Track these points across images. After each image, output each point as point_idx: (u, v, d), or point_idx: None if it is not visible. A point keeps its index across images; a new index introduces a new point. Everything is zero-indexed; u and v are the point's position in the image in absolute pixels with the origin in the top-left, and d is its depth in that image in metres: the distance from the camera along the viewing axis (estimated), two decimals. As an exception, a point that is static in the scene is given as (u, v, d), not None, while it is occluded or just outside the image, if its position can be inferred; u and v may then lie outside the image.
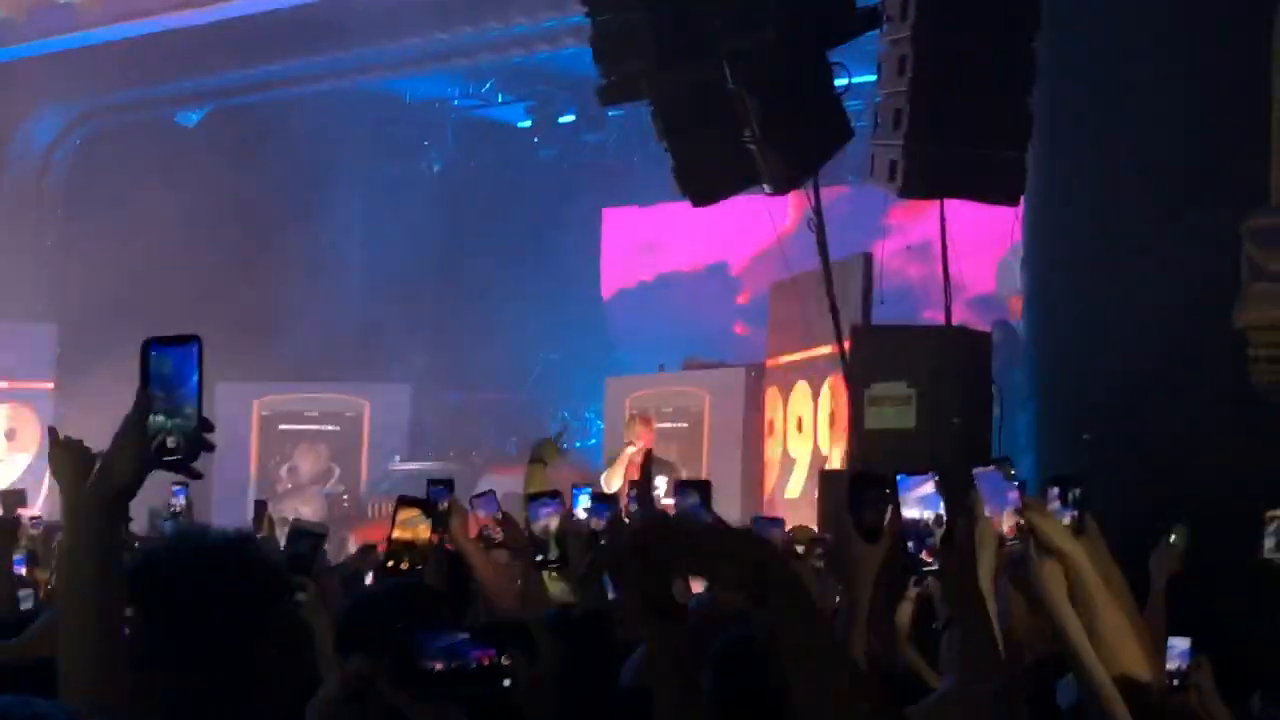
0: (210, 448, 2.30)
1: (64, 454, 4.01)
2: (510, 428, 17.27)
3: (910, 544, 3.12)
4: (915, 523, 3.11)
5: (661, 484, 11.76)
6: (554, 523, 4.74)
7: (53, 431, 4.16)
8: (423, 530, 4.55)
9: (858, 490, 3.28)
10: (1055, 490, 3.71)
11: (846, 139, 8.73)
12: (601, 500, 5.39)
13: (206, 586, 2.47)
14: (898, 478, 3.12)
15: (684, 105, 8.69)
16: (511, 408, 17.43)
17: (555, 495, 4.83)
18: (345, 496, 15.51)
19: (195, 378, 2.29)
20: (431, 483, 5.12)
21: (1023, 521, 3.31)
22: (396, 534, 4.57)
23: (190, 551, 2.54)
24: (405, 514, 4.56)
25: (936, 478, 3.09)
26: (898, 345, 9.30)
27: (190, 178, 15.61)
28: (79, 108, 16.96)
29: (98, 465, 2.36)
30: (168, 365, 2.29)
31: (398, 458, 16.02)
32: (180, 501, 7.25)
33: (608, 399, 15.17)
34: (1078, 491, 3.76)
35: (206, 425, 2.31)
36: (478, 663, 2.59)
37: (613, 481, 11.99)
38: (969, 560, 3.15)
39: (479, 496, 5.26)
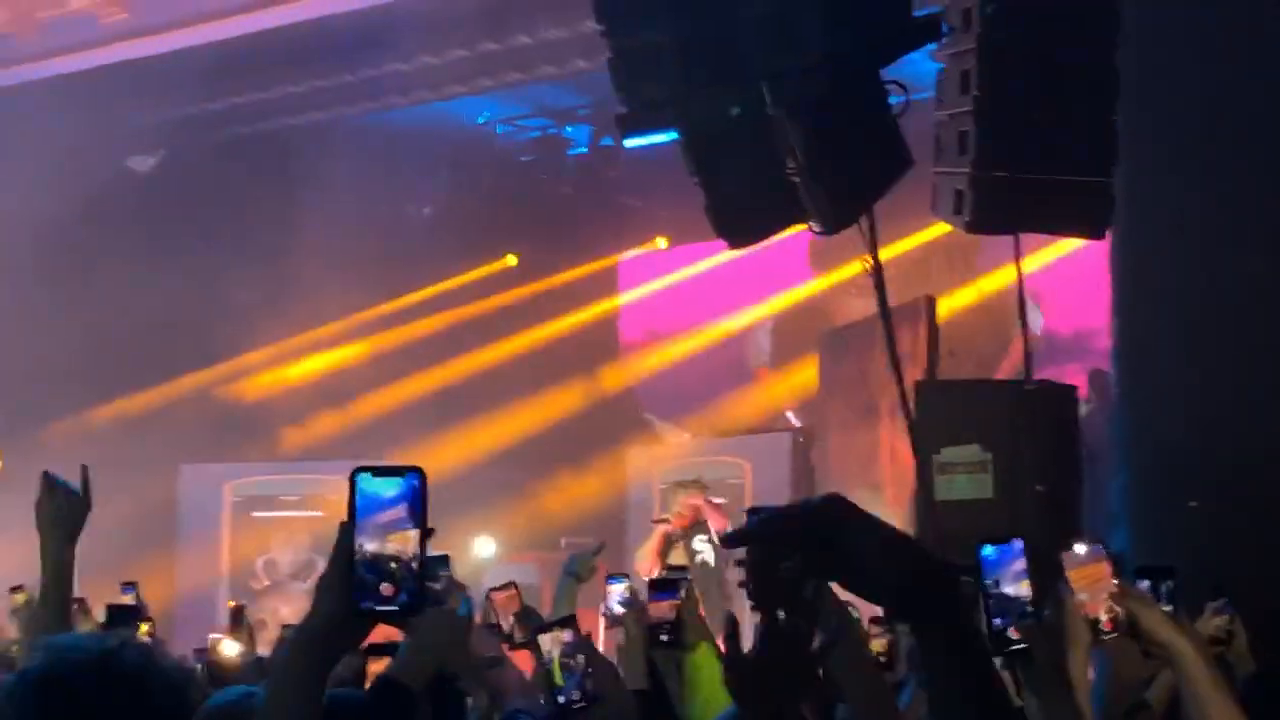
0: (435, 600, 2.29)
1: (57, 503, 4.10)
2: (521, 508, 17.29)
3: (997, 619, 3.16)
4: (1004, 596, 3.15)
5: (706, 550, 11.89)
6: (557, 649, 4.75)
7: (46, 477, 4.26)
8: None
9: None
10: (1145, 582, 3.75)
11: (905, 168, 8.77)
12: (662, 586, 5.41)
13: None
14: (980, 549, 3.18)
15: (718, 134, 8.74)
16: (521, 485, 17.44)
17: (569, 619, 4.86)
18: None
19: (418, 514, 2.26)
20: (428, 559, 5.13)
21: (1121, 612, 3.36)
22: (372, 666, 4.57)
23: (69, 687, 2.60)
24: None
25: (1023, 546, 3.14)
26: (970, 403, 9.31)
27: (143, 230, 15.71)
28: (16, 151, 17.08)
29: (306, 613, 2.34)
30: (382, 497, 2.25)
31: (393, 546, 16.02)
32: (129, 598, 7.29)
33: (631, 471, 15.21)
34: (1170, 584, 3.80)
35: (429, 572, 2.29)
36: None
37: (640, 561, 12.01)
38: (1060, 642, 3.19)
39: (498, 589, 5.32)
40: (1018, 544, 3.18)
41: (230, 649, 7.16)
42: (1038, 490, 8.82)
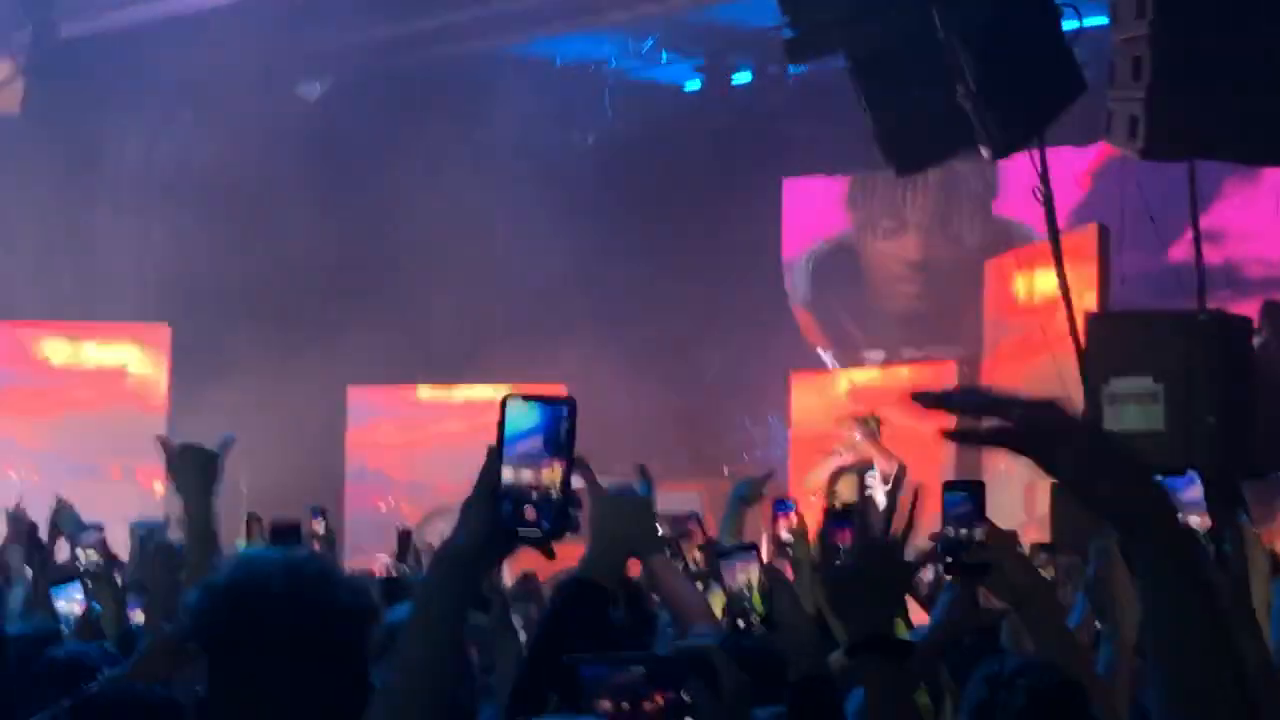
0: (575, 526, 2.34)
1: (185, 462, 4.17)
2: (681, 438, 17.33)
3: None
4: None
5: (873, 482, 11.86)
6: (753, 575, 4.73)
7: (163, 441, 4.33)
8: None
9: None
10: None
11: (1079, 92, 8.63)
12: (838, 517, 5.40)
13: (278, 632, 2.60)
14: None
15: (886, 59, 8.67)
16: (685, 412, 17.48)
17: (750, 546, 4.84)
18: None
19: (564, 443, 2.28)
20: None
21: None
22: None
23: (258, 593, 2.64)
24: None
25: (1200, 478, 3.09)
26: (1141, 334, 9.19)
27: (315, 158, 15.92)
28: (186, 80, 17.36)
29: (445, 538, 2.40)
30: (530, 424, 2.28)
31: (552, 471, 16.14)
32: (319, 525, 7.44)
33: (795, 401, 15.17)
34: None
35: (573, 499, 2.31)
36: (654, 703, 2.58)
37: (812, 491, 12.01)
38: (1243, 576, 3.15)
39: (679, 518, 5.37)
40: (1192, 476, 3.13)
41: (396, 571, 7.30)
42: (1209, 422, 8.69)
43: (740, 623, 4.43)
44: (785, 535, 5.92)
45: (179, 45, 15.89)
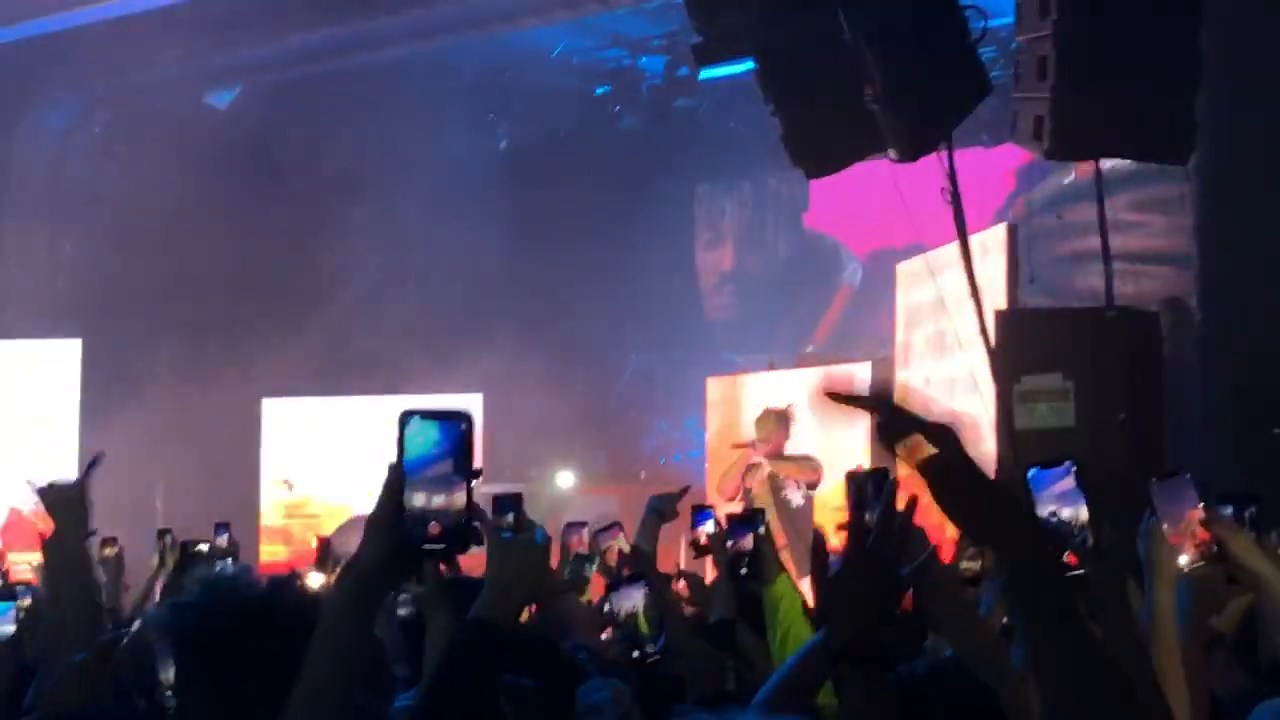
0: (479, 539, 2.35)
1: (59, 499, 4.22)
2: (599, 441, 17.35)
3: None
4: (1053, 522, 3.13)
5: (794, 494, 11.90)
6: (639, 603, 4.78)
7: (34, 486, 4.39)
8: None
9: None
10: (1228, 508, 3.73)
11: (984, 94, 8.70)
12: (741, 522, 5.44)
13: (244, 646, 2.64)
14: (1029, 473, 3.15)
15: (793, 63, 8.70)
16: (599, 418, 17.49)
17: (637, 578, 4.88)
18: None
19: (466, 460, 2.31)
20: (497, 499, 5.20)
21: (1207, 539, 3.35)
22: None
23: (227, 608, 2.69)
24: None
25: (1075, 469, 3.11)
26: (1051, 331, 9.27)
27: (224, 166, 15.82)
28: (93, 92, 17.22)
29: (350, 557, 2.41)
30: (429, 441, 2.30)
31: (472, 478, 16.11)
32: (223, 541, 7.38)
33: (710, 402, 15.22)
34: (1253, 510, 3.78)
35: (476, 512, 2.34)
36: None
37: (725, 487, 12.03)
38: (1117, 566, 3.18)
39: (603, 530, 5.43)
40: (1068, 466, 3.15)
41: (315, 582, 7.24)
42: (1120, 419, 8.78)
43: (635, 652, 4.49)
44: (702, 540, 5.96)
45: (88, 55, 15.75)
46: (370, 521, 2.35)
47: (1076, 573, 3.09)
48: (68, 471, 15.34)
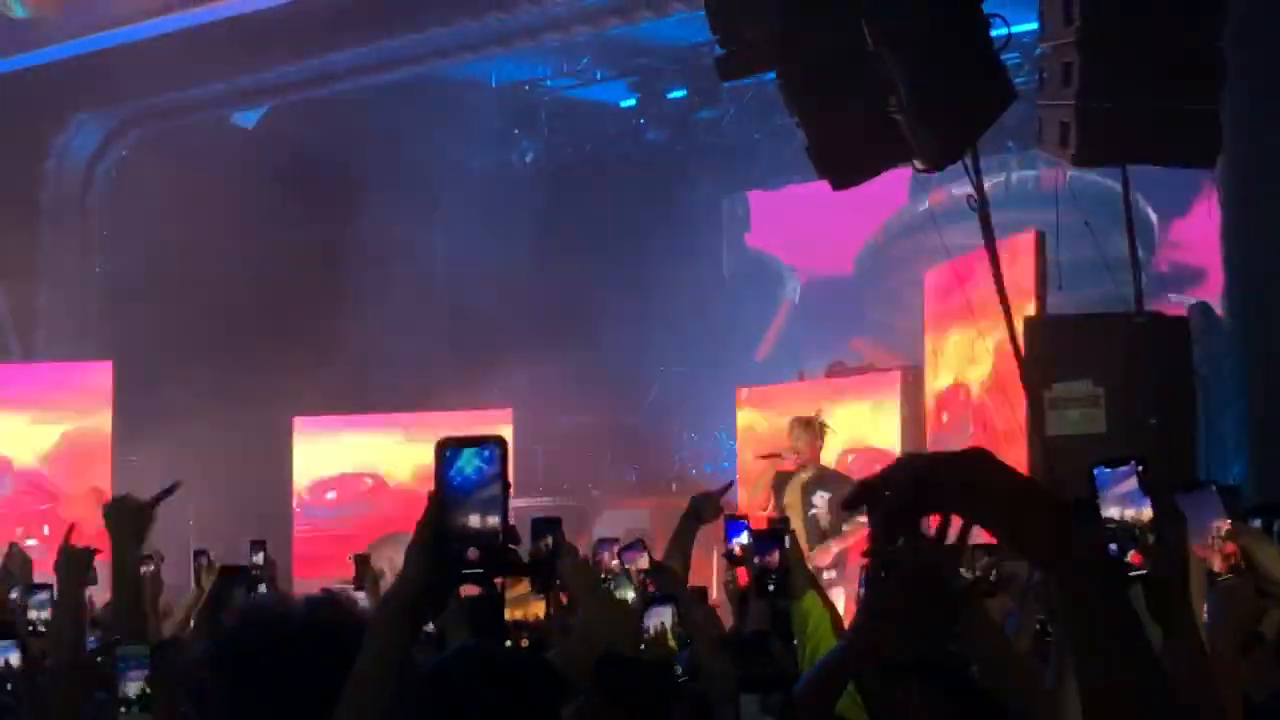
0: (519, 568, 2.38)
1: (120, 512, 4.26)
2: (629, 454, 17.36)
3: (1113, 546, 3.11)
4: (1118, 522, 3.11)
5: (821, 503, 11.81)
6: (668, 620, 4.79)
7: (98, 494, 4.48)
8: (537, 606, 4.60)
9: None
10: (1258, 521, 3.71)
11: (1009, 101, 8.70)
12: (766, 536, 5.44)
13: (287, 673, 2.65)
14: (1094, 470, 3.12)
15: (817, 74, 8.71)
16: (629, 431, 17.51)
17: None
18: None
19: (498, 483, 2.36)
20: (537, 523, 5.22)
21: (1234, 550, 3.33)
22: (508, 614, 4.63)
23: (267, 637, 2.69)
24: (517, 589, 4.60)
25: (1140, 468, 3.08)
26: (1080, 338, 9.27)
27: (251, 185, 15.90)
28: (121, 114, 17.32)
29: (394, 580, 2.44)
30: (465, 468, 2.36)
31: (503, 495, 16.12)
32: (259, 559, 7.36)
33: (742, 415, 15.22)
34: None
35: (513, 536, 2.37)
36: None
37: (755, 500, 11.98)
38: (1182, 565, 3.16)
39: (628, 549, 5.43)
40: (1132, 465, 3.12)
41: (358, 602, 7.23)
42: (1151, 423, 8.77)
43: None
44: (736, 551, 5.95)
45: (115, 77, 15.85)
46: (410, 548, 2.39)
47: (1140, 572, 3.08)
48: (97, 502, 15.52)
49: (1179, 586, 3.08)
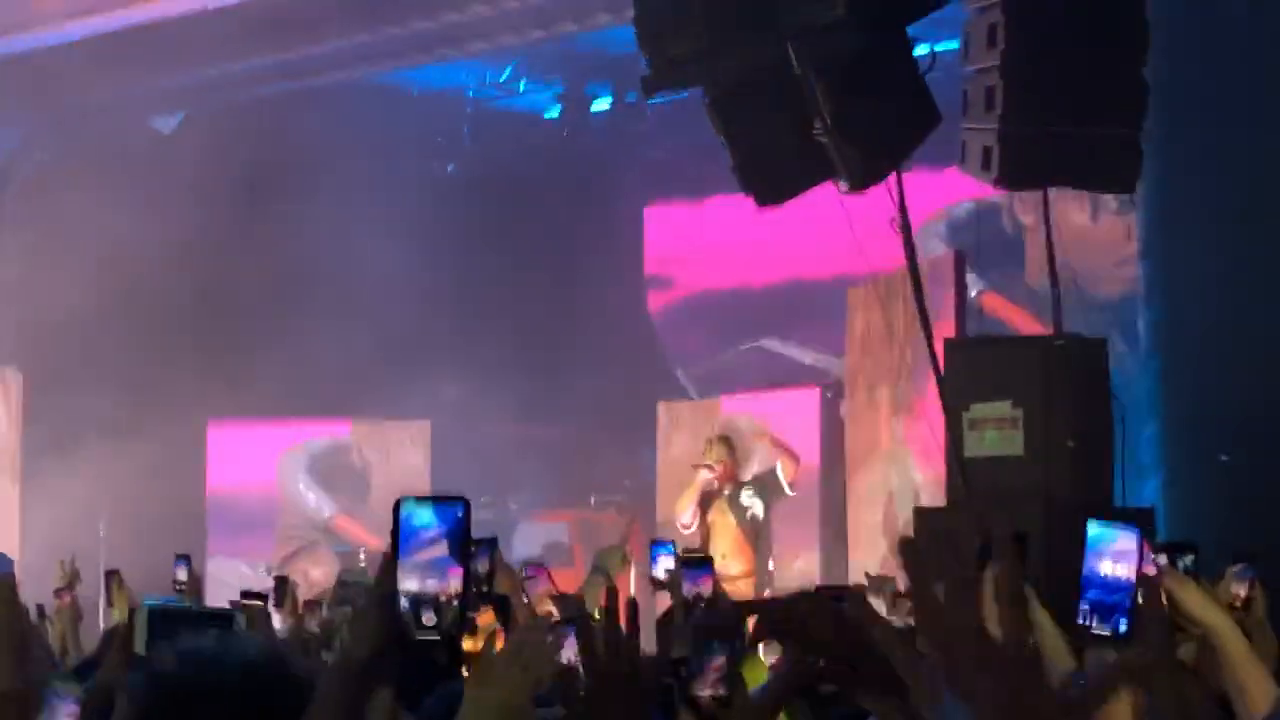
0: (472, 629, 2.30)
1: None
2: (550, 466, 17.34)
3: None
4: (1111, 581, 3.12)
5: (755, 503, 12.06)
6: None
7: None
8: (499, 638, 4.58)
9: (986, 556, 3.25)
10: (1163, 558, 3.74)
11: (934, 124, 8.78)
12: (694, 564, 5.46)
13: None
14: (1088, 522, 3.14)
15: (743, 93, 8.76)
16: (550, 443, 17.49)
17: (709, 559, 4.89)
18: (362, 554, 15.61)
19: (461, 543, 2.28)
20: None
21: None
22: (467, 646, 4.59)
23: (208, 687, 2.58)
24: (483, 619, 4.56)
25: (1139, 534, 3.09)
26: (999, 359, 9.32)
27: (170, 191, 15.78)
28: (39, 117, 17.16)
29: (346, 642, 2.40)
30: (425, 526, 2.28)
31: (417, 505, 16.08)
32: (183, 574, 7.29)
33: (661, 428, 15.25)
34: (1190, 559, 3.81)
35: (470, 600, 2.31)
36: None
37: (682, 511, 12.17)
38: (1161, 633, 3.19)
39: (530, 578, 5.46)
40: (1136, 532, 3.12)
41: (277, 622, 7.18)
42: (1069, 445, 8.84)
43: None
44: (662, 575, 5.97)
45: (31, 81, 15.70)
46: (361, 611, 2.34)
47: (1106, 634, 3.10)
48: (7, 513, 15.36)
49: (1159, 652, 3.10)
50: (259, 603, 6.61)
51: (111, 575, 7.65)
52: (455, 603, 2.27)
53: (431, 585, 2.27)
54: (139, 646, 4.05)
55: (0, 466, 15.63)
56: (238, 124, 16.69)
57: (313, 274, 16.51)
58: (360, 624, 2.35)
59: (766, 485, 12.84)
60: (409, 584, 2.27)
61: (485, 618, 4.55)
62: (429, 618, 2.27)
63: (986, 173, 8.73)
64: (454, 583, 2.27)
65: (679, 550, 6.39)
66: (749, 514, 12.29)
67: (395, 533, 2.28)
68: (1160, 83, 8.84)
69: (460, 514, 2.30)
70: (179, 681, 2.61)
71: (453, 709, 2.91)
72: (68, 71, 15.30)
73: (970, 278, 14.03)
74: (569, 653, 4.50)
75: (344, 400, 16.63)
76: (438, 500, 2.30)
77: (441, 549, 2.28)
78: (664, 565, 6.04)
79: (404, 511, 2.29)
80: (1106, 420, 9.09)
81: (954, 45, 10.37)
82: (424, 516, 2.29)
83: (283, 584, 7.66)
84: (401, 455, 16.79)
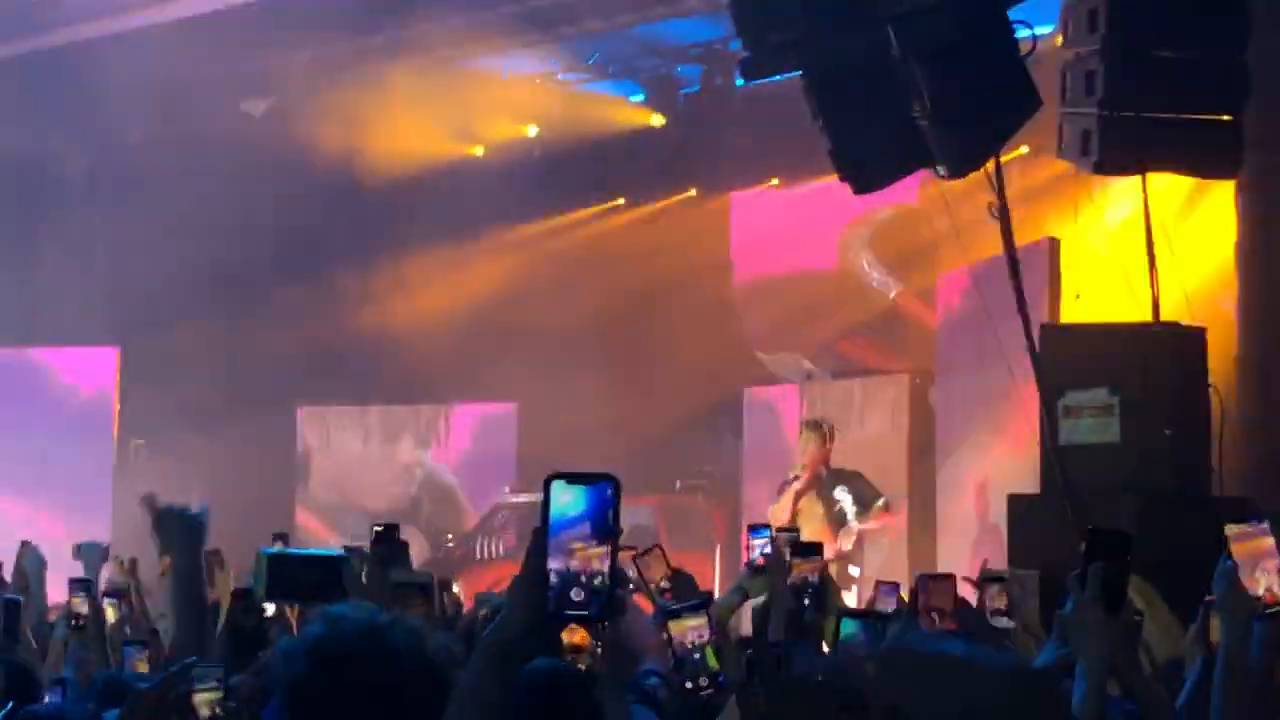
0: (622, 609, 2.32)
1: (170, 525, 4.01)
2: (633, 451, 17.36)
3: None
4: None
5: (846, 500, 12.01)
6: (704, 633, 4.74)
7: (148, 501, 4.22)
8: (582, 634, 4.59)
9: (1093, 549, 3.27)
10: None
11: (1034, 108, 8.72)
12: (806, 550, 5.45)
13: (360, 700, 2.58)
14: (1249, 515, 3.23)
15: (841, 78, 8.72)
16: (635, 427, 17.50)
17: (700, 605, 4.86)
18: (449, 536, 15.70)
19: (608, 522, 2.30)
20: None
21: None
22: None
23: (366, 682, 2.59)
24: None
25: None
26: (1095, 347, 9.26)
27: (260, 173, 15.90)
28: (130, 99, 17.29)
29: (497, 617, 2.38)
30: (575, 504, 2.30)
31: (507, 488, 16.19)
32: (81, 604, 6.60)
33: (749, 414, 15.24)
34: None
35: (620, 578, 2.33)
36: None
37: (777, 520, 12.12)
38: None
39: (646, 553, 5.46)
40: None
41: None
42: (1166, 434, 8.77)
43: (689, 684, 4.47)
44: (759, 559, 5.95)
45: (125, 61, 15.82)
46: (512, 588, 2.35)
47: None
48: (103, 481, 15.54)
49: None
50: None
51: (212, 555, 7.67)
52: (602, 580, 2.27)
53: (579, 565, 2.27)
54: (260, 593, 4.14)
55: (94, 444, 15.79)
56: (330, 108, 16.78)
57: (401, 258, 16.59)
58: (514, 599, 2.35)
59: (864, 496, 12.52)
60: (556, 563, 2.28)
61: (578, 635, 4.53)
62: (578, 595, 2.27)
63: (1086, 158, 8.67)
64: (602, 562, 2.28)
65: (775, 534, 6.36)
66: (837, 508, 12.21)
67: (545, 510, 2.28)
68: (1261, 67, 8.74)
69: (610, 493, 2.30)
70: (322, 653, 2.64)
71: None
72: (161, 54, 15.41)
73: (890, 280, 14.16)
74: (702, 632, 4.51)
75: (432, 384, 16.72)
76: (586, 479, 2.30)
77: (588, 529, 2.29)
78: (763, 552, 6.01)
79: (554, 489, 2.29)
80: (1204, 409, 9.01)
81: (1049, 27, 10.35)
82: (574, 497, 2.30)
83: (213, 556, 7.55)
84: (488, 439, 16.87)
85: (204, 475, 15.13)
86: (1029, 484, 9.90)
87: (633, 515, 16.46)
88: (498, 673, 2.36)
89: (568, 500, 2.30)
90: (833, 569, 11.80)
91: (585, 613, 2.29)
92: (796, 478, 12.06)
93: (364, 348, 16.69)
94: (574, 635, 4.63)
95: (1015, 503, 9.52)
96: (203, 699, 3.88)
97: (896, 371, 14.31)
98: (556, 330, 16.89)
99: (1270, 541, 3.47)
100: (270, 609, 6.46)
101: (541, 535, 2.29)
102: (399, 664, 2.59)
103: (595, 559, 2.29)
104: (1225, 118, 8.77)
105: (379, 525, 6.46)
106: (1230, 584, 3.40)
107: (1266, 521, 3.49)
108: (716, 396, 16.83)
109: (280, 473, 16.53)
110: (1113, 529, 3.34)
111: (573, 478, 2.31)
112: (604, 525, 2.30)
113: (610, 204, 18.40)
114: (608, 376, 16.70)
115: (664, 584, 5.89)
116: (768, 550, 5.82)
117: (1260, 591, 3.45)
